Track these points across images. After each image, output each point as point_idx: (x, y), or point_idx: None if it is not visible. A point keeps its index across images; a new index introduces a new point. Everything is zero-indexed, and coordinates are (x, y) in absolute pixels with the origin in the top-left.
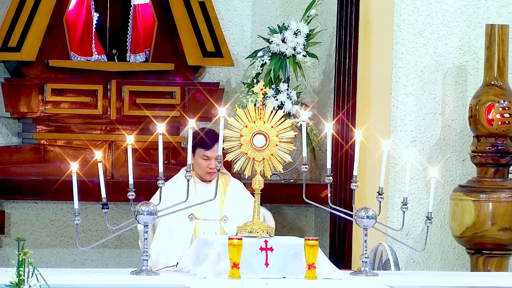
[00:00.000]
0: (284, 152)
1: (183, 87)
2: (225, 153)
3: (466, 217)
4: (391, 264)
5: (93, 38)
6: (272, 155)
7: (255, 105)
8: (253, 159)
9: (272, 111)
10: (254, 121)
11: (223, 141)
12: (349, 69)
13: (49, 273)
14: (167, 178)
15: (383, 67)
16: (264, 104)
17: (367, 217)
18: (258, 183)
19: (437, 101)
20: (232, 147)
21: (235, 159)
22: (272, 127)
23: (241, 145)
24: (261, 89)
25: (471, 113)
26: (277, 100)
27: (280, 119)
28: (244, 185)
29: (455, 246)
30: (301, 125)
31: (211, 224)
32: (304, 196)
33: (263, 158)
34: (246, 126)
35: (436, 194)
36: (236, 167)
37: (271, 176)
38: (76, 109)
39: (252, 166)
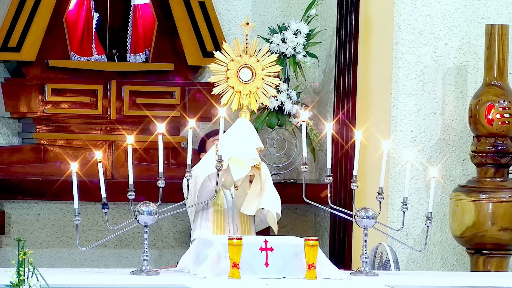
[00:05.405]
0: (270, 86)
1: (183, 87)
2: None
3: (466, 217)
4: (391, 264)
5: (93, 38)
6: (258, 88)
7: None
8: (240, 92)
9: (257, 45)
10: (240, 55)
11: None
12: (349, 69)
13: (49, 273)
14: (167, 178)
15: (383, 67)
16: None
17: (367, 217)
18: (244, 115)
19: (437, 101)
20: (219, 81)
21: (222, 93)
22: (258, 61)
23: (228, 78)
24: (247, 23)
25: (471, 113)
26: (277, 100)
27: (265, 53)
28: None
29: (455, 246)
30: (301, 125)
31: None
32: (304, 196)
33: (250, 92)
34: (233, 60)
35: (436, 194)
36: (223, 101)
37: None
38: (76, 109)
39: (239, 100)
